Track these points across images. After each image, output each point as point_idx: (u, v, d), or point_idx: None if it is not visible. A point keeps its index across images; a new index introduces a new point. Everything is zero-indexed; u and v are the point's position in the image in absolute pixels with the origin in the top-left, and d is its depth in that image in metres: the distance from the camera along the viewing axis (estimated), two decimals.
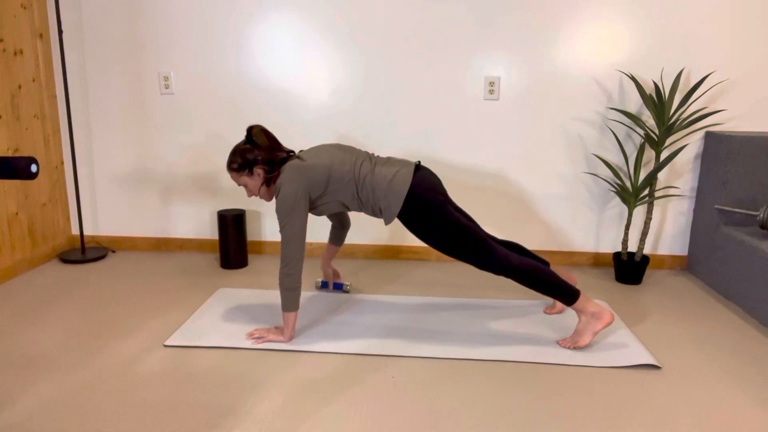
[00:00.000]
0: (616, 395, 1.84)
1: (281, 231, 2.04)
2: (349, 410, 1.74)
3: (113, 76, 3.04)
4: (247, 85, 2.99)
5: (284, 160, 2.10)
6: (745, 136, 2.64)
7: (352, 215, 3.11)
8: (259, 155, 2.07)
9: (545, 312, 2.45)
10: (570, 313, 2.45)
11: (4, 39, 2.69)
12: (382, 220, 3.11)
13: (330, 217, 2.46)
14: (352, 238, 3.16)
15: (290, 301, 2.08)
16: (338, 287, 2.65)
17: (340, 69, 2.94)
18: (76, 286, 2.70)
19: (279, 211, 2.03)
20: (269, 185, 2.13)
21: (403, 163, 2.13)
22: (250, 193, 2.16)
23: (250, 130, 2.10)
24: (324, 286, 2.66)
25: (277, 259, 3.12)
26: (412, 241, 3.14)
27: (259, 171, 2.09)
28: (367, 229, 3.15)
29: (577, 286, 2.77)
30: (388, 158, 2.17)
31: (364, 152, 2.18)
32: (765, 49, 2.77)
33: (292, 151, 2.17)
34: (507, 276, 2.09)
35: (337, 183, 2.07)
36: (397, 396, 1.82)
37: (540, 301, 2.58)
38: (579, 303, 2.08)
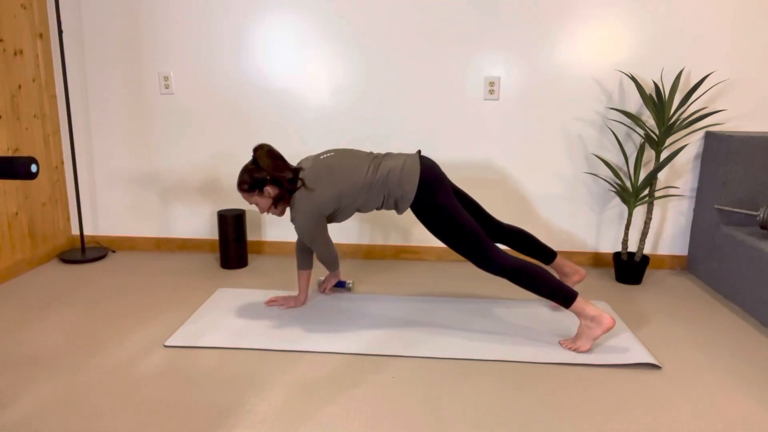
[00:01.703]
0: (616, 395, 1.84)
1: (312, 248, 2.30)
2: (349, 410, 1.74)
3: (113, 76, 3.04)
4: (248, 85, 2.99)
5: (292, 180, 2.17)
6: (745, 136, 2.64)
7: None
8: (266, 175, 2.15)
9: (552, 308, 2.45)
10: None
11: (4, 39, 2.69)
12: (384, 219, 3.11)
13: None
14: (352, 238, 3.17)
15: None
16: (341, 285, 2.65)
17: (340, 69, 2.94)
18: (76, 286, 2.70)
19: (304, 237, 2.21)
20: (278, 204, 2.22)
21: (407, 154, 2.22)
22: (262, 211, 2.25)
23: (256, 150, 2.17)
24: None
25: (278, 259, 3.12)
26: (412, 241, 3.14)
27: (269, 191, 2.16)
28: (366, 230, 3.15)
29: (582, 283, 2.77)
30: (389, 153, 2.25)
31: (365, 153, 2.23)
32: (765, 49, 2.77)
33: (299, 169, 2.19)
34: (500, 276, 2.11)
35: (349, 198, 2.16)
36: (397, 396, 1.82)
37: (541, 300, 2.58)
38: (576, 305, 2.07)
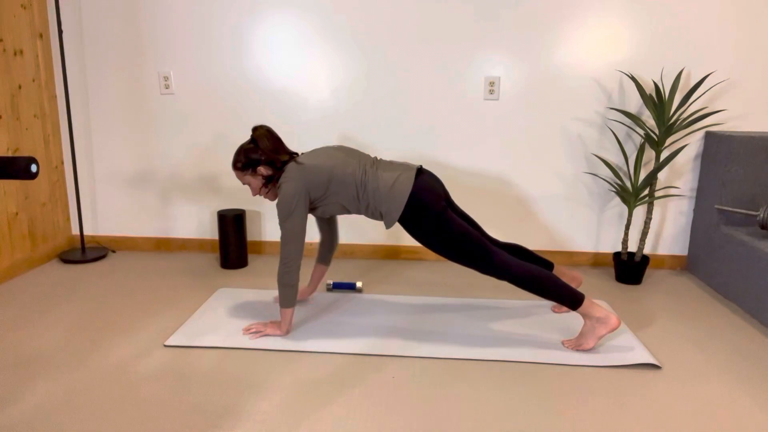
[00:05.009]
0: (616, 395, 1.84)
1: (281, 229, 2.06)
2: (349, 410, 1.74)
3: (113, 76, 3.04)
4: (248, 85, 2.99)
5: (287, 162, 2.11)
6: (745, 136, 2.64)
7: (353, 215, 3.11)
8: (262, 155, 2.10)
9: (553, 310, 2.45)
10: (575, 313, 2.45)
11: (4, 39, 2.69)
12: (382, 223, 3.11)
13: (322, 232, 2.42)
14: (352, 238, 3.17)
15: (288, 297, 2.12)
16: (350, 286, 2.66)
17: (340, 69, 2.94)
18: (76, 286, 2.70)
19: (279, 209, 2.06)
20: (270, 185, 2.15)
21: (405, 167, 2.12)
22: (254, 192, 2.19)
23: (255, 130, 2.13)
24: (336, 287, 2.67)
25: (277, 259, 3.11)
26: (412, 241, 3.14)
27: (262, 170, 2.11)
28: (366, 230, 3.15)
29: (583, 283, 2.77)
30: (391, 162, 2.16)
31: (366, 155, 2.19)
32: (765, 49, 2.77)
33: (296, 153, 2.18)
34: (508, 281, 2.09)
35: (338, 185, 2.07)
36: (397, 396, 1.82)
37: (541, 300, 2.58)
38: (584, 307, 2.06)
